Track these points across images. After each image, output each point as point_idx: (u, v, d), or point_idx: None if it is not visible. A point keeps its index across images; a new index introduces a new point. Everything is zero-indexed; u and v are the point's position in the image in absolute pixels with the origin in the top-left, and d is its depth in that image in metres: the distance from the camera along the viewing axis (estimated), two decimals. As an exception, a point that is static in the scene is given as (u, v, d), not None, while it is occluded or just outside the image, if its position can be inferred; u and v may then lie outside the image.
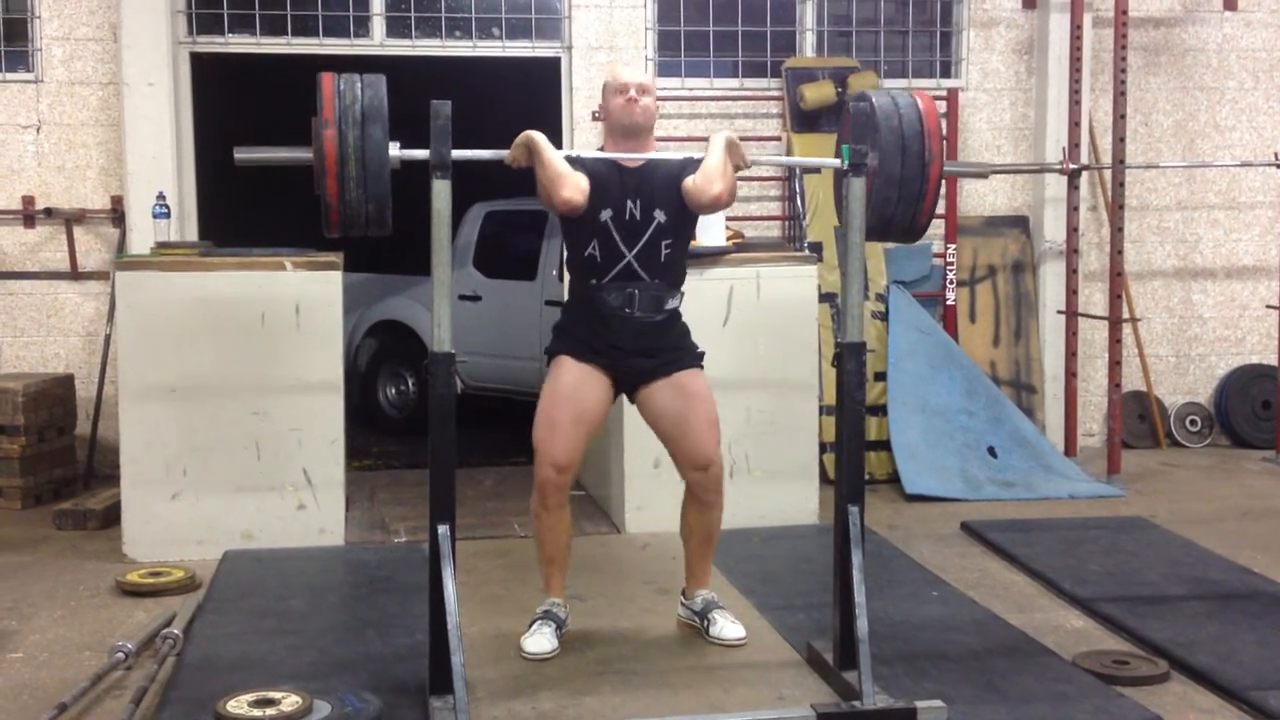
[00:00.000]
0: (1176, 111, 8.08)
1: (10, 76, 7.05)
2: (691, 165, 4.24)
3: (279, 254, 5.68)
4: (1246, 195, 8.18)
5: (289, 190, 6.19)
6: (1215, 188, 8.15)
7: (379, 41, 7.30)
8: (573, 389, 4.29)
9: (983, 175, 4.79)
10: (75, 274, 7.07)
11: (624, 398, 4.49)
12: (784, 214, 7.59)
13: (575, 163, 4.17)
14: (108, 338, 6.88)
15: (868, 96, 4.00)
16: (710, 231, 5.90)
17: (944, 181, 7.66)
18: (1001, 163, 7.76)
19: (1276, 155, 7.85)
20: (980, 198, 7.87)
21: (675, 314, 4.38)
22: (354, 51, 7.32)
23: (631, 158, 4.27)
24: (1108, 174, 7.48)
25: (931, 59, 7.90)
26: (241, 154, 3.86)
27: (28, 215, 7.04)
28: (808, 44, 7.73)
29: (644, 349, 4.31)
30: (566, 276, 4.49)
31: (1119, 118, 7.05)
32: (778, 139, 7.59)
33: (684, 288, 4.41)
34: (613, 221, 4.23)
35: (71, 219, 7.01)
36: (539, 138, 4.12)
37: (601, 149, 4.45)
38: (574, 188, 4.10)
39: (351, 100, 3.60)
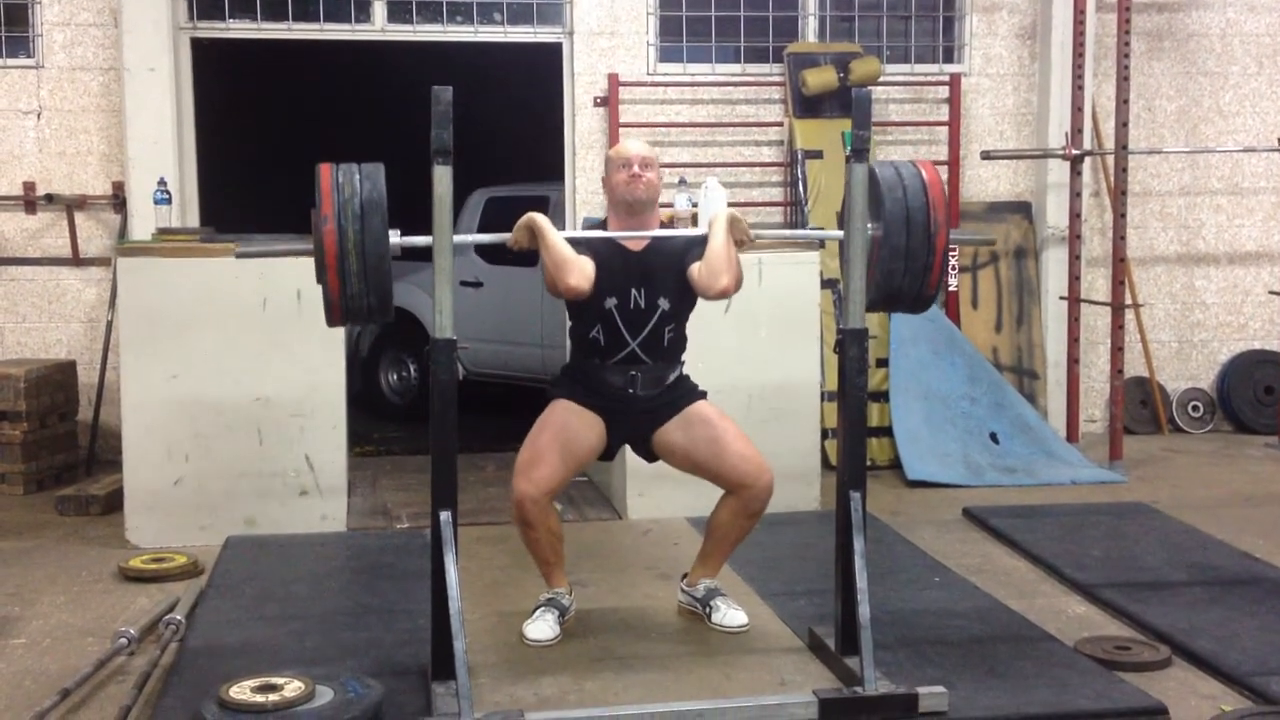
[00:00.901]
0: (1180, 97, 8.06)
1: (11, 62, 7.04)
2: (695, 247, 4.17)
3: (280, 240, 5.67)
4: (1249, 181, 8.16)
5: (290, 176, 6.21)
6: (1218, 173, 8.14)
7: (380, 27, 7.28)
8: (563, 424, 4.29)
9: (989, 244, 4.77)
10: (77, 260, 7.06)
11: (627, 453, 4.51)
12: (786, 200, 7.57)
13: (578, 244, 4.13)
14: (109, 324, 6.88)
15: (871, 168, 3.95)
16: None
17: (948, 168, 7.69)
18: (1004, 148, 7.75)
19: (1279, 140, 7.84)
20: (983, 184, 7.86)
21: (676, 380, 4.40)
22: (355, 37, 7.31)
23: (634, 237, 4.24)
24: (1110, 159, 7.46)
25: (934, 44, 7.88)
26: (242, 249, 3.92)
27: (29, 201, 7.04)
28: (810, 29, 7.70)
29: (645, 410, 4.33)
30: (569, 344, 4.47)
31: (1122, 103, 7.03)
32: (780, 124, 7.57)
33: (684, 360, 4.42)
34: (617, 310, 4.22)
35: (73, 205, 7.00)
36: (542, 221, 4.07)
37: (604, 222, 4.40)
38: (580, 274, 4.04)
39: (350, 194, 3.59)
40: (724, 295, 4.14)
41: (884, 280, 3.93)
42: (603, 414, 4.31)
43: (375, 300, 3.64)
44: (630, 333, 4.25)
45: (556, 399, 4.36)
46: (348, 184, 3.61)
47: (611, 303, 4.20)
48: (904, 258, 3.88)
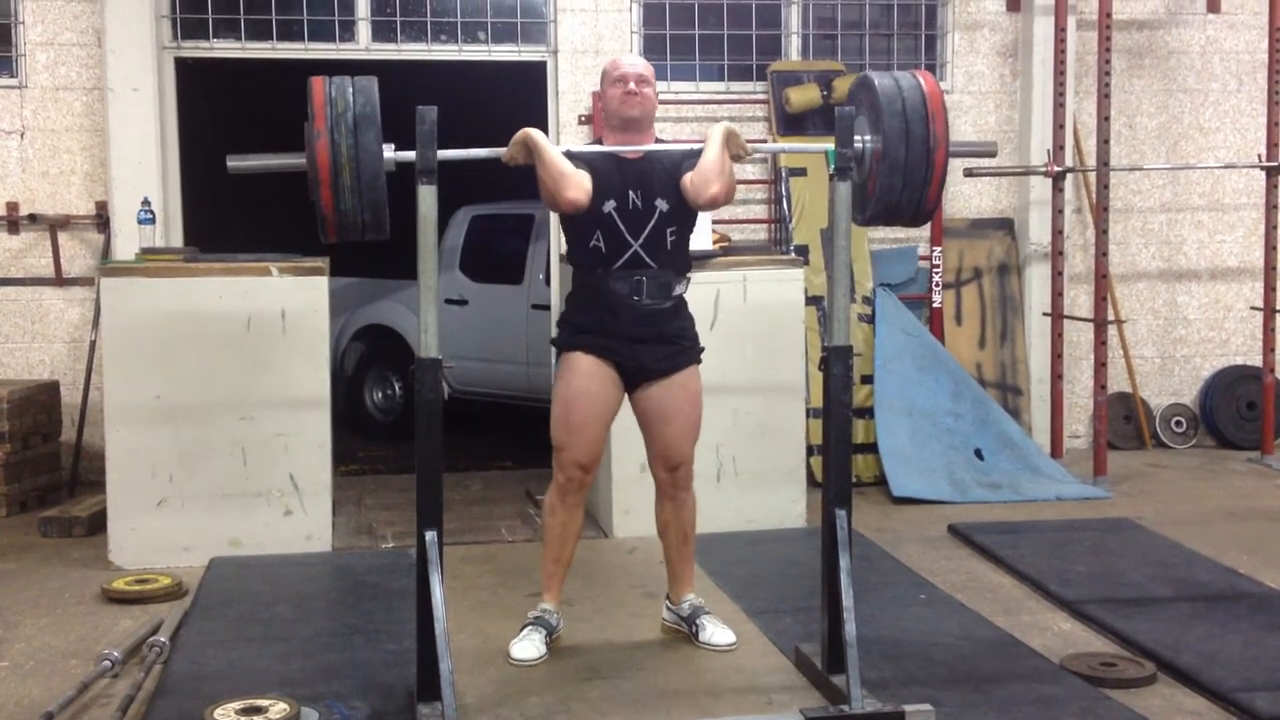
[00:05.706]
0: (1160, 114, 8.11)
1: (-6, 82, 7.04)
2: (691, 159, 4.19)
3: (264, 259, 5.67)
4: (1230, 197, 8.21)
5: (274, 195, 6.22)
6: (1199, 189, 8.19)
7: (364, 46, 7.29)
8: (586, 386, 4.26)
9: (990, 154, 4.72)
10: (60, 280, 7.04)
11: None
12: (770, 217, 7.60)
13: (574, 158, 4.13)
14: (93, 344, 6.85)
15: (870, 78, 3.93)
16: (696, 235, 5.90)
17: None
18: (987, 165, 7.78)
19: (1260, 157, 7.88)
20: (966, 200, 7.89)
21: (682, 301, 4.37)
22: (339, 56, 7.31)
23: (631, 150, 4.23)
24: (1092, 176, 7.50)
25: (916, 62, 7.91)
26: (234, 162, 3.80)
27: (12, 221, 7.01)
28: (793, 47, 7.74)
29: (652, 336, 4.28)
30: (558, 274, 4.46)
31: (1103, 120, 7.07)
32: (763, 142, 7.59)
33: (689, 275, 4.41)
34: (617, 212, 4.20)
35: (56, 225, 6.98)
36: (538, 136, 4.08)
37: (598, 140, 4.41)
38: (578, 187, 4.06)
39: (344, 108, 3.56)
40: (714, 204, 4.15)
41: (882, 195, 3.90)
42: (615, 363, 4.28)
43: (369, 216, 3.61)
44: (631, 234, 4.22)
45: (568, 353, 4.32)
46: (341, 98, 3.58)
47: (610, 205, 4.18)
48: (902, 172, 3.86)
